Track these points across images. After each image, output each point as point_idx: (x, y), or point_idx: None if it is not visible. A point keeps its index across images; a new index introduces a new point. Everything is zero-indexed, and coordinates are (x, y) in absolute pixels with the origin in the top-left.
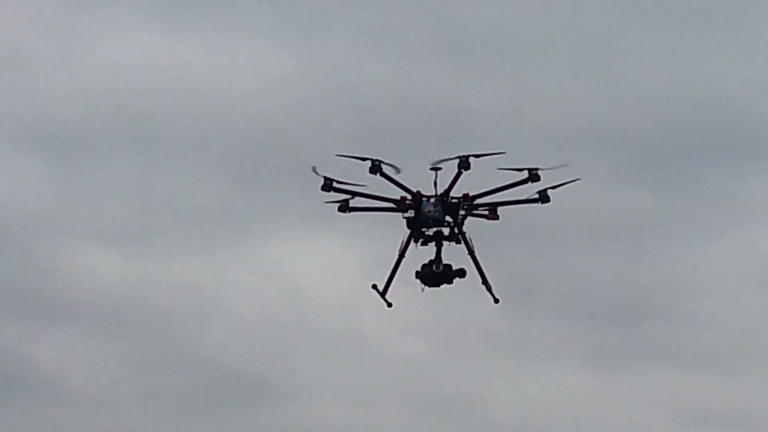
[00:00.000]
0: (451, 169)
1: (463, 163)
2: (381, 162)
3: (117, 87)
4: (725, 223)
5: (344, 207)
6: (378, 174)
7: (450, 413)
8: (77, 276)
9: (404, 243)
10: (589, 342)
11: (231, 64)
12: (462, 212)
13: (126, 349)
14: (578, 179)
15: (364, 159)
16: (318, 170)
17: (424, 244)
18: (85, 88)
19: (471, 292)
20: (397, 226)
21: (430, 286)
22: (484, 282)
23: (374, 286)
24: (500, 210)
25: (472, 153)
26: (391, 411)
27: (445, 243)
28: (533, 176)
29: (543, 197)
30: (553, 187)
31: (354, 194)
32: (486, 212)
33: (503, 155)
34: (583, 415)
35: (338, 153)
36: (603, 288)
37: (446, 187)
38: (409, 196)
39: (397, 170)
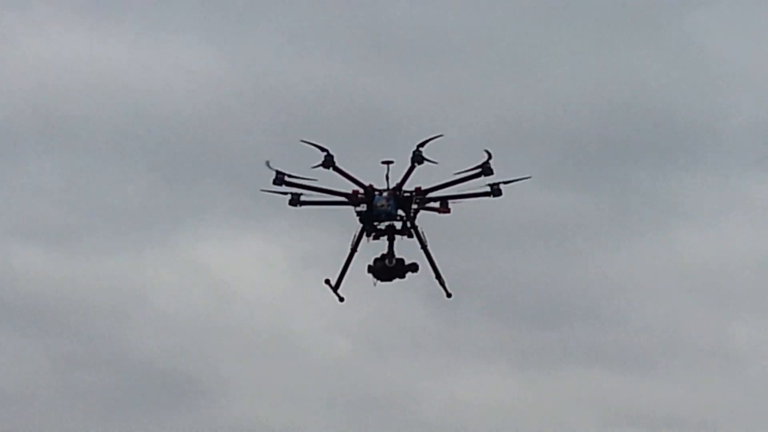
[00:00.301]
0: (403, 163)
1: (417, 157)
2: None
3: (41, 85)
4: (653, 223)
5: (295, 201)
6: (331, 168)
7: (377, 412)
8: (2, 274)
9: (356, 237)
10: (517, 342)
11: (156, 62)
12: (414, 206)
13: (52, 347)
14: (529, 177)
15: (323, 149)
16: (270, 164)
17: (376, 238)
18: (8, 86)
19: (398, 291)
20: (324, 224)
21: (382, 280)
22: (438, 276)
23: (327, 281)
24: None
25: (417, 144)
26: (318, 410)
27: (398, 237)
28: (486, 170)
29: (495, 191)
30: (506, 182)
31: (306, 188)
32: (437, 206)
33: (443, 138)
34: (510, 415)
35: (303, 139)
36: (531, 288)
37: (399, 180)
38: (361, 190)
39: (325, 152)
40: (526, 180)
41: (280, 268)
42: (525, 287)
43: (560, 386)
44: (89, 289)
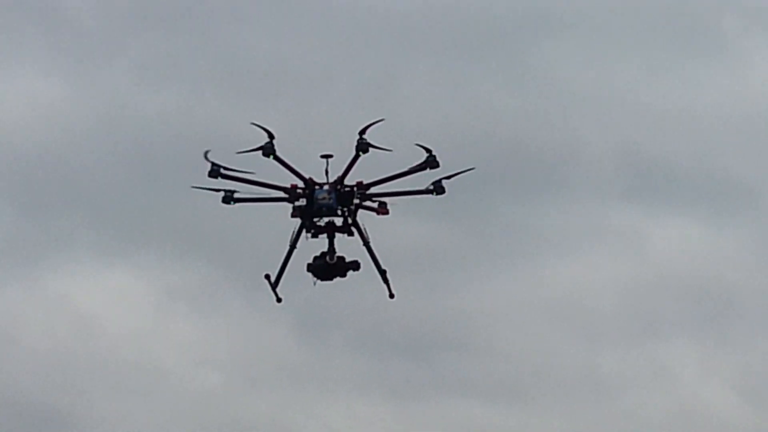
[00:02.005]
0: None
1: (361, 146)
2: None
3: None
4: (517, 253)
5: (229, 198)
6: (271, 157)
7: None
8: None
9: (295, 233)
10: (388, 373)
11: (3, 93)
12: (356, 201)
13: None
14: (473, 168)
15: (270, 135)
16: (209, 156)
17: (314, 236)
18: None
19: (267, 322)
20: (194, 257)
21: (322, 279)
22: (381, 275)
23: (267, 276)
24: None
25: (359, 132)
26: None
27: (338, 235)
28: (431, 162)
29: (438, 188)
30: (447, 177)
31: (242, 181)
32: (375, 206)
33: (383, 122)
34: None
35: (239, 150)
36: (400, 319)
37: (341, 172)
38: (300, 183)
39: (271, 135)
40: (470, 171)
41: (145, 302)
42: (394, 318)
43: (433, 417)
44: None
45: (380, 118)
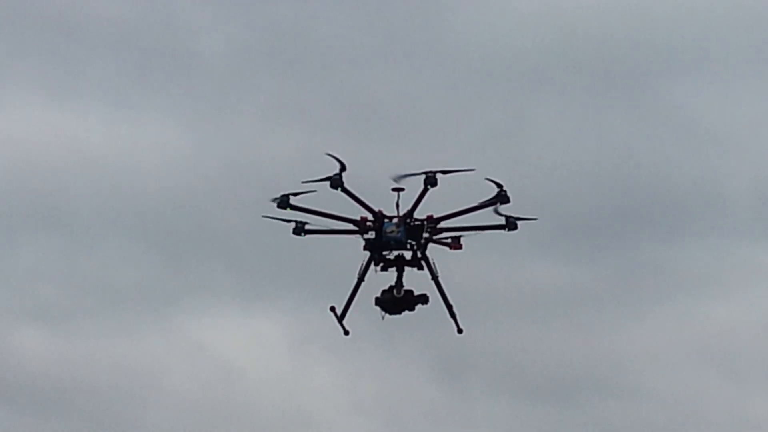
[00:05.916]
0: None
1: (430, 180)
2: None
3: (20, 166)
4: (660, 293)
5: (299, 229)
6: (339, 189)
7: None
8: (5, 357)
9: (363, 266)
10: (528, 417)
11: (134, 140)
12: (426, 235)
13: (57, 430)
14: (535, 218)
15: (342, 166)
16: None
17: (384, 269)
18: None
19: (406, 364)
20: (329, 300)
21: (390, 313)
22: (449, 310)
23: (332, 309)
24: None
25: (439, 170)
26: None
27: (407, 269)
28: (502, 197)
29: (510, 224)
30: (517, 219)
31: (313, 213)
32: (449, 241)
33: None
34: None
35: (304, 180)
36: (541, 362)
37: (410, 206)
38: (370, 216)
39: (343, 167)
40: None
41: (285, 346)
42: (535, 361)
43: None
44: (92, 369)
45: (470, 168)
